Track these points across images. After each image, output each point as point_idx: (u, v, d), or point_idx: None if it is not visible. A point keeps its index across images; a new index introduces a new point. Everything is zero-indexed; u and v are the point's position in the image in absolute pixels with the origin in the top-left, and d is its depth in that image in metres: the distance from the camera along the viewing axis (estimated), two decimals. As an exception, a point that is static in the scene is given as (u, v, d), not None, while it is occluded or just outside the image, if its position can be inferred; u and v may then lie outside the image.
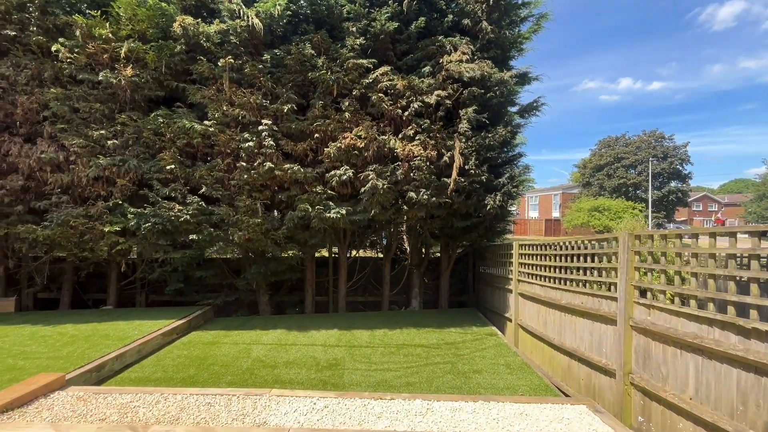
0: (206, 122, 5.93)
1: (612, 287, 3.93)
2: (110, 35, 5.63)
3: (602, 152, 43.17)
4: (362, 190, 6.33)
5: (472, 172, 6.50)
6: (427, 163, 6.41)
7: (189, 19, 5.62)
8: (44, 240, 6.00)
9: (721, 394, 2.67)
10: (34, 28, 5.57)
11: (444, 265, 8.64)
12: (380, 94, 6.36)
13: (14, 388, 3.53)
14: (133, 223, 6.00)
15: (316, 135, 6.32)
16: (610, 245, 4.02)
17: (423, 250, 8.87)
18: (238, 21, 5.76)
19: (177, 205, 6.07)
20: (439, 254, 9.05)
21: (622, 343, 3.64)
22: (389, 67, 6.42)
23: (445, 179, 6.51)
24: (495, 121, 6.88)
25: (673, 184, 39.60)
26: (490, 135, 6.58)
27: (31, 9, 5.48)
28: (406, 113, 6.46)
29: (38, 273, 6.95)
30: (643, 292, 3.55)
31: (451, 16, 6.63)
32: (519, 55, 8.19)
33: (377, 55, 6.57)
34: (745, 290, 2.56)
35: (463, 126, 6.49)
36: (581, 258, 4.50)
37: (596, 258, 4.23)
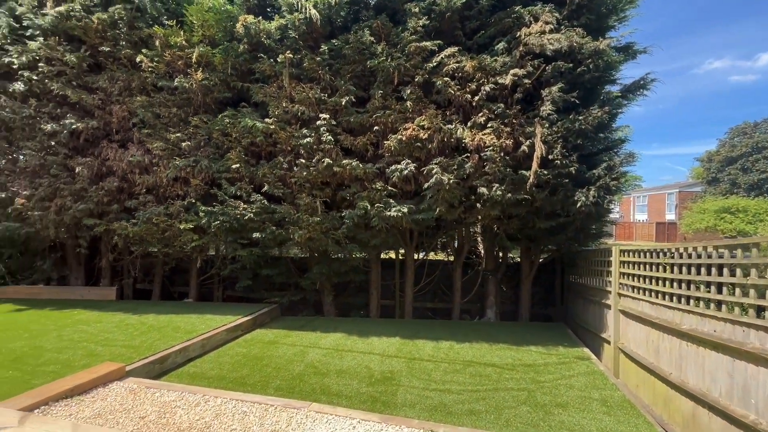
0: (267, 120, 5.92)
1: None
2: (184, 42, 5.94)
3: (735, 142, 35.65)
4: (426, 185, 5.73)
5: (558, 162, 5.46)
6: (501, 154, 5.56)
7: (250, 18, 5.66)
8: (134, 236, 6.58)
9: None
10: (124, 43, 6.15)
11: (525, 272, 7.56)
12: (446, 79, 5.69)
13: (79, 375, 3.71)
14: (204, 221, 6.25)
15: (376, 128, 5.90)
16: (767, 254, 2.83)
17: (499, 254, 7.91)
18: (296, 14, 5.63)
19: (242, 204, 6.17)
20: (518, 259, 7.99)
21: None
22: (456, 48, 5.72)
23: (524, 172, 5.58)
24: (587, 101, 5.73)
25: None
26: (581, 118, 5.46)
27: (120, 25, 6.05)
28: (476, 98, 5.69)
29: (133, 266, 7.75)
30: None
31: (530, -19, 5.69)
32: (620, 23, 6.76)
33: (443, 36, 5.91)
34: None
35: (546, 108, 5.49)
36: (713, 269, 3.31)
37: (740, 270, 3.03)
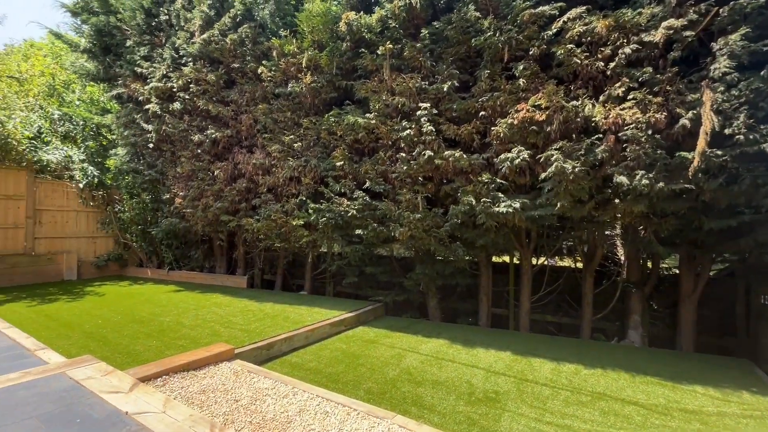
0: (368, 115, 5.85)
1: None
2: (296, 49, 6.33)
3: None
4: (543, 176, 4.84)
5: (741, 138, 3.96)
6: (648, 132, 4.32)
7: (351, 14, 5.68)
8: (257, 231, 7.31)
9: None
10: (249, 58, 6.89)
11: (686, 288, 5.83)
12: (569, 47, 4.72)
13: (197, 352, 4.11)
14: (313, 218, 6.53)
15: (482, 113, 5.26)
16: None
17: (648, 263, 6.31)
18: (396, 2, 5.42)
19: (345, 201, 6.24)
20: (677, 270, 6.23)
21: None
22: (583, 8, 4.69)
23: (684, 154, 4.24)
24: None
25: None
26: (779, 73, 3.87)
27: (246, 42, 6.80)
28: (612, 65, 4.57)
29: (260, 258, 8.67)
30: None
31: None
32: None
33: (565, -4, 4.94)
34: None
35: (721, 66, 4.06)
36: None
37: None
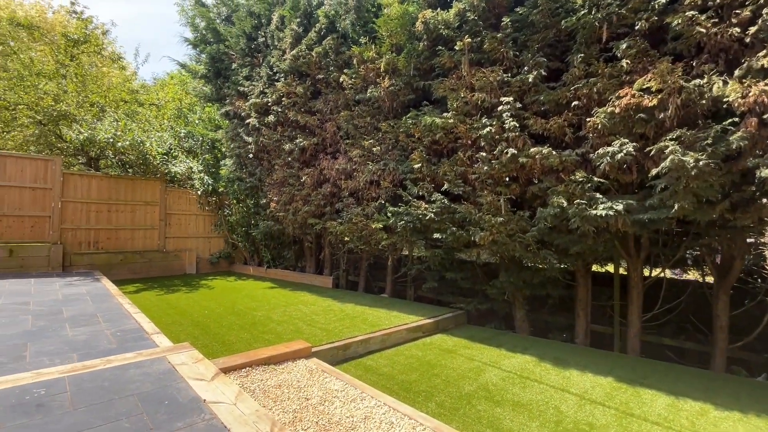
0: (446, 114, 5.62)
1: None
2: (375, 55, 6.41)
3: None
4: (653, 172, 4.07)
5: None
6: (810, 110, 3.32)
7: (428, 13, 5.52)
8: (340, 234, 7.57)
9: None
10: (332, 68, 7.20)
11: None
12: (690, 13, 3.89)
13: (278, 347, 4.36)
14: (392, 221, 6.51)
15: (576, 103, 4.64)
16: None
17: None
18: (475, -7, 5.11)
19: (423, 204, 6.08)
20: None
21: None
22: (710, -36, 3.84)
23: None
24: None
25: None
26: None
27: (330, 53, 7.12)
28: (752, 30, 3.64)
29: (343, 260, 8.98)
30: None
31: None
32: None
33: (684, -45, 4.10)
34: None
35: None
36: None
37: None
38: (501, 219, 5.29)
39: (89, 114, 11.43)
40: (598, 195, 4.49)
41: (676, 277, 7.16)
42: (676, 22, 3.96)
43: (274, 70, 8.38)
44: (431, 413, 3.47)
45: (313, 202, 7.99)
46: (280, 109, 8.20)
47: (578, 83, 4.59)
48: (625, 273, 5.99)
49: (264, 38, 8.84)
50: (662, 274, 6.07)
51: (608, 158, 4.34)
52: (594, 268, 6.98)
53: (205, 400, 2.56)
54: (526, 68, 5.00)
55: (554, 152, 4.77)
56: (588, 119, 4.56)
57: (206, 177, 11.20)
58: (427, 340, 5.78)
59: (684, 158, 3.77)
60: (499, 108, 5.11)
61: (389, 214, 6.56)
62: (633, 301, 5.72)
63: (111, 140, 10.04)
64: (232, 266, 12.31)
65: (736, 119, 3.73)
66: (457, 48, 5.39)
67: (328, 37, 7.12)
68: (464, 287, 7.38)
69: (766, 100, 3.52)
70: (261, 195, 9.96)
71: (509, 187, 5.44)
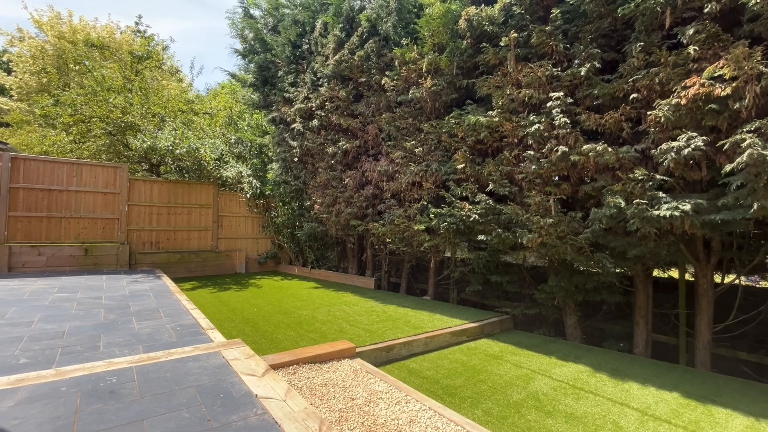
0: (491, 113, 5.46)
1: None
2: (417, 56, 6.37)
3: None
4: (727, 168, 3.69)
5: None
6: None
7: (471, 10, 5.40)
8: (382, 235, 7.60)
9: None
10: (374, 71, 7.26)
11: None
12: (771, -9, 3.49)
13: (323, 346, 4.44)
14: (434, 223, 6.44)
15: (634, 95, 4.33)
16: None
17: None
18: (522, -15, 4.93)
19: (467, 205, 5.95)
20: None
21: None
22: (796, -66, 3.42)
23: None
24: None
25: None
26: None
27: (372, 56, 7.18)
28: None
29: (386, 261, 9.00)
30: None
31: None
32: None
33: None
34: None
35: None
36: None
37: None
38: (551, 220, 5.05)
39: (151, 124, 12.39)
40: (661, 194, 4.15)
41: (753, 285, 6.44)
42: (753, 2, 3.57)
43: (318, 76, 8.60)
44: (478, 420, 3.38)
45: (356, 204, 8.09)
46: (323, 114, 8.40)
47: (637, 74, 4.27)
48: (692, 279, 5.49)
49: (308, 45, 9.11)
50: (737, 281, 5.49)
51: (673, 154, 4.00)
52: (655, 273, 6.47)
53: (256, 395, 2.66)
54: (577, 61, 4.75)
55: (610, 149, 4.47)
56: (649, 112, 4.23)
57: (254, 181, 11.73)
58: (472, 345, 5.64)
59: (764, 152, 3.39)
60: (548, 104, 4.88)
61: (432, 216, 6.49)
62: (702, 310, 5.23)
63: (170, 148, 10.81)
64: (278, 266, 12.78)
65: (831, 107, 3.30)
66: (502, 44, 5.23)
67: (370, 41, 7.19)
68: (510, 291, 7.13)
69: None
70: (305, 197, 10.26)
71: (559, 186, 5.18)
